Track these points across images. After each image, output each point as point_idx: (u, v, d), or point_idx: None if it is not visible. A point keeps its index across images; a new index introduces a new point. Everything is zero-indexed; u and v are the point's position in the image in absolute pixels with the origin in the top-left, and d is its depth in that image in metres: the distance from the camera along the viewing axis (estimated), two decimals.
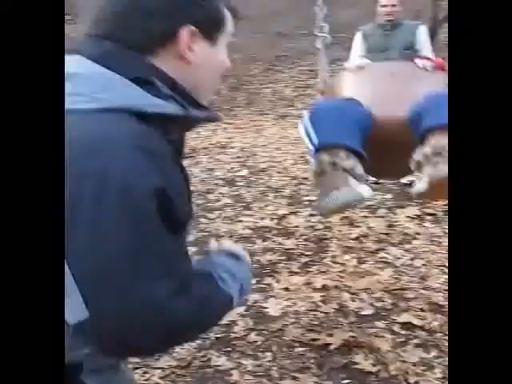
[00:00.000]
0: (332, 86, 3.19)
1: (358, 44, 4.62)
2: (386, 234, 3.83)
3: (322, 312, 2.82)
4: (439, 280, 3.11)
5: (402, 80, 2.38)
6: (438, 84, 2.39)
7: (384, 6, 4.36)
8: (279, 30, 12.11)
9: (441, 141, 1.87)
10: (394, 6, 4.35)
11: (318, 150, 1.79)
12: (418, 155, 2.03)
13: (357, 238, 3.76)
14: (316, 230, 3.90)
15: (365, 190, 2.05)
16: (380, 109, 2.24)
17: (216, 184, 4.89)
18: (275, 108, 8.82)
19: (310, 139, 1.84)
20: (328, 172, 1.72)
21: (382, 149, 2.19)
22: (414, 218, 4.07)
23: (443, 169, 1.80)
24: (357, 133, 2.04)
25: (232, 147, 6.27)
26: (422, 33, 4.43)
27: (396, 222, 4.03)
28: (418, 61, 3.35)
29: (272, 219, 4.08)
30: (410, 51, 4.40)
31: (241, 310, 2.77)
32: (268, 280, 3.15)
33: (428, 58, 3.56)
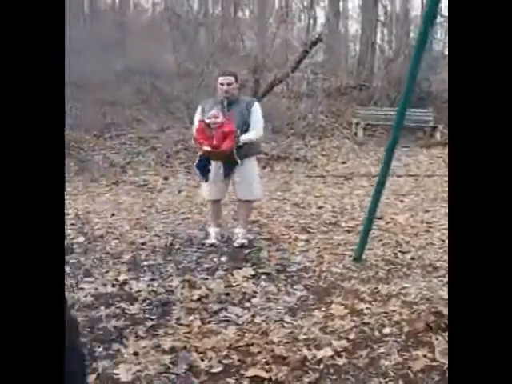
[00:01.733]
0: None
1: (198, 117, 4.99)
2: (226, 294, 4.00)
3: (173, 373, 2.85)
4: (279, 334, 3.32)
5: None
6: None
7: (222, 84, 4.80)
8: (110, 98, 12.19)
9: None
10: (229, 84, 4.81)
11: None
12: None
13: (198, 300, 3.87)
14: (158, 294, 3.94)
15: None
16: None
17: None
18: (107, 175, 8.76)
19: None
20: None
21: None
22: (249, 278, 4.31)
23: None
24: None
25: (67, 214, 6.09)
26: (256, 109, 4.94)
27: (234, 282, 4.23)
28: None
29: (114, 285, 4.05)
30: (245, 126, 4.89)
31: (92, 378, 2.71)
32: (116, 346, 3.11)
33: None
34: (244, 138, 4.89)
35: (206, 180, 5.07)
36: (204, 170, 5.04)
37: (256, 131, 4.96)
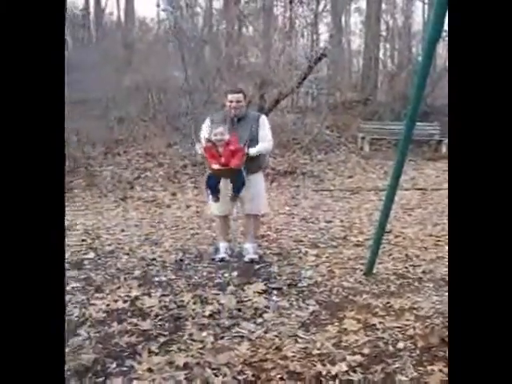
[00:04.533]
0: None
1: (205, 129, 5.01)
2: (238, 309, 3.98)
3: None
4: (293, 349, 3.31)
5: None
6: None
7: (231, 101, 4.84)
8: (118, 114, 12.26)
9: None
10: (238, 102, 4.85)
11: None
12: None
13: (210, 315, 3.86)
14: (170, 309, 3.93)
15: None
16: None
17: None
18: (115, 190, 8.78)
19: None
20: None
21: None
22: (261, 293, 4.29)
23: None
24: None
25: (76, 230, 6.10)
26: (264, 122, 4.96)
27: (245, 297, 4.22)
28: None
29: (125, 301, 4.04)
30: (253, 142, 4.91)
31: None
32: (129, 362, 3.10)
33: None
34: (253, 151, 4.90)
35: (217, 199, 5.08)
36: (215, 189, 5.06)
37: (264, 144, 4.98)
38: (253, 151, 4.90)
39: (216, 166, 4.87)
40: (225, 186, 5.02)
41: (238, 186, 5.03)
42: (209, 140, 4.90)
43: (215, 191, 5.08)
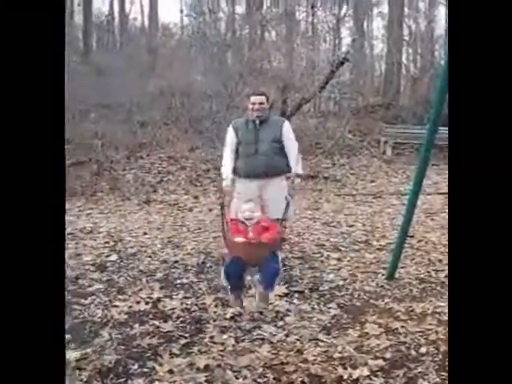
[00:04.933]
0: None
1: (229, 137, 4.94)
2: (259, 312, 3.98)
3: None
4: (314, 352, 3.29)
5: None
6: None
7: (253, 103, 4.81)
8: (141, 119, 12.36)
9: None
10: (261, 104, 4.82)
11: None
12: None
13: (232, 318, 3.86)
14: (192, 312, 3.95)
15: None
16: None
17: (86, 269, 4.80)
18: (138, 193, 8.86)
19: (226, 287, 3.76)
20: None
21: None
22: (283, 296, 4.28)
23: None
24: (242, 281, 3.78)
25: (99, 232, 6.17)
26: (287, 128, 4.91)
27: None
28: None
29: (147, 303, 4.07)
30: (276, 143, 4.83)
31: None
32: (150, 364, 3.13)
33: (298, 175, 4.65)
34: (299, 169, 4.77)
35: (240, 302, 3.82)
36: (237, 281, 3.72)
37: (298, 155, 4.88)
38: (299, 170, 4.77)
39: (240, 240, 3.71)
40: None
41: (269, 277, 3.68)
42: (235, 219, 3.92)
43: (237, 285, 3.74)
